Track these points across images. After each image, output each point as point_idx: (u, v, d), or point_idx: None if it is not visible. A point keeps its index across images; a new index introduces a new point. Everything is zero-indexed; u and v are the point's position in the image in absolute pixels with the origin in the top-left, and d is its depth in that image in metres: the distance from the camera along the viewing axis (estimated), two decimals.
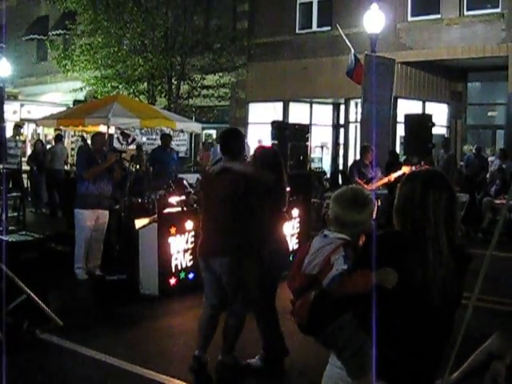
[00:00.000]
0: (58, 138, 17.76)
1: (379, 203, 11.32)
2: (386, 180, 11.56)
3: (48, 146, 19.70)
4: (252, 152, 6.53)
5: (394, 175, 11.59)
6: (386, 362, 2.68)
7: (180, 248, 8.48)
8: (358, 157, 12.73)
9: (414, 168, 12.23)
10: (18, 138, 16.70)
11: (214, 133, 24.83)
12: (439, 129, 18.56)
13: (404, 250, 2.70)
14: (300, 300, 2.87)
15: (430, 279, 2.68)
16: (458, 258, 2.80)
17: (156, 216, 8.57)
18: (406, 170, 11.83)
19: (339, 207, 2.94)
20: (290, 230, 9.88)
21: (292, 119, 20.66)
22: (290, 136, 12.02)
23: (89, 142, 10.55)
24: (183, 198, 9.71)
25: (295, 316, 2.92)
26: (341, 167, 20.93)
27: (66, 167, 18.02)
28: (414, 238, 2.71)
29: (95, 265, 9.23)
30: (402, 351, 2.72)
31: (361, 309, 2.71)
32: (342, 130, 22.18)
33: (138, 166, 13.24)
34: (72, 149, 21.51)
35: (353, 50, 15.96)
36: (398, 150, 17.64)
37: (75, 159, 11.24)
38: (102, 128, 15.62)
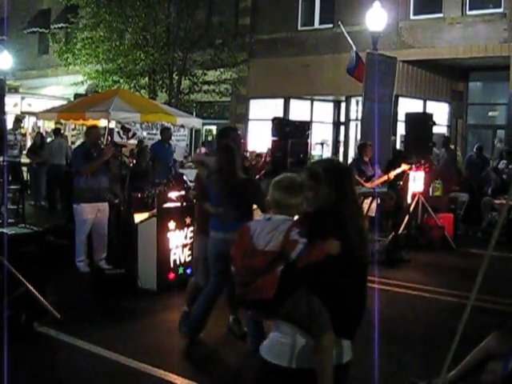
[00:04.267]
0: (56, 132, 17.69)
1: (379, 201, 11.31)
2: (385, 177, 11.56)
3: (48, 140, 19.68)
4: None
5: (393, 173, 11.60)
6: (335, 317, 3.15)
7: (179, 243, 8.49)
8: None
9: (414, 166, 12.28)
10: (18, 130, 16.68)
11: (214, 128, 24.80)
12: (440, 128, 18.55)
13: (340, 224, 3.25)
14: (264, 277, 3.14)
15: (358, 244, 3.28)
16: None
17: (155, 211, 8.57)
18: (405, 167, 11.85)
19: (278, 192, 3.33)
20: None
21: (293, 116, 20.64)
22: (291, 133, 11.99)
23: None
24: (183, 193, 9.71)
25: (256, 293, 3.16)
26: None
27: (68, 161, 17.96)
28: (342, 214, 3.28)
29: (100, 257, 9.25)
30: (347, 305, 3.21)
31: (313, 276, 3.14)
32: (342, 128, 22.16)
33: (135, 161, 13.20)
34: (72, 142, 21.48)
35: (354, 48, 15.94)
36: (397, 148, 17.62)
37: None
38: (103, 122, 15.62)
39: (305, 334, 3.18)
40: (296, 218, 3.34)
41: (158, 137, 17.05)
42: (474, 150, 16.79)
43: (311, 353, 3.16)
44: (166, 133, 14.16)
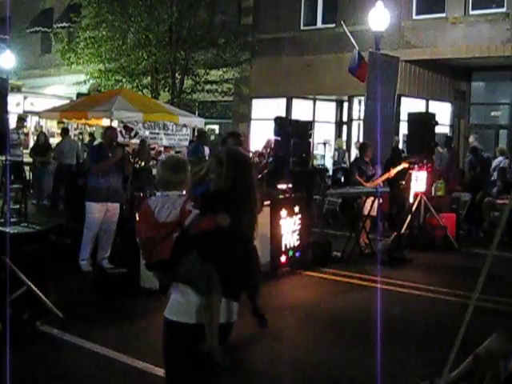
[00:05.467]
0: (65, 132, 17.74)
1: (381, 201, 11.32)
2: (386, 176, 11.57)
3: (51, 140, 19.70)
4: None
5: (393, 170, 11.60)
6: (224, 281, 3.62)
7: None
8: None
9: (415, 165, 12.29)
10: (21, 130, 16.68)
11: (216, 128, 24.81)
12: (442, 128, 18.53)
13: (234, 203, 3.76)
14: (162, 242, 3.66)
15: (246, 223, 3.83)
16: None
17: None
18: (405, 165, 11.85)
19: (166, 172, 3.85)
20: (292, 226, 9.91)
21: (295, 116, 20.60)
22: (293, 132, 11.99)
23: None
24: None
25: (156, 256, 3.69)
26: (343, 164, 20.89)
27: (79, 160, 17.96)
28: (233, 195, 3.80)
29: (103, 257, 9.26)
30: (233, 272, 3.69)
31: (205, 243, 3.65)
32: (344, 128, 22.15)
33: (139, 160, 13.23)
34: (89, 141, 21.49)
35: (357, 48, 15.93)
36: (400, 148, 17.60)
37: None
38: (105, 121, 15.63)
39: (198, 293, 3.65)
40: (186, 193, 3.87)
41: (161, 136, 17.09)
42: (468, 152, 16.72)
43: (202, 309, 3.63)
44: (203, 137, 14.67)
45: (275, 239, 9.50)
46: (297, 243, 10.04)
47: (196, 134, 17.12)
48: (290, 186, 10.66)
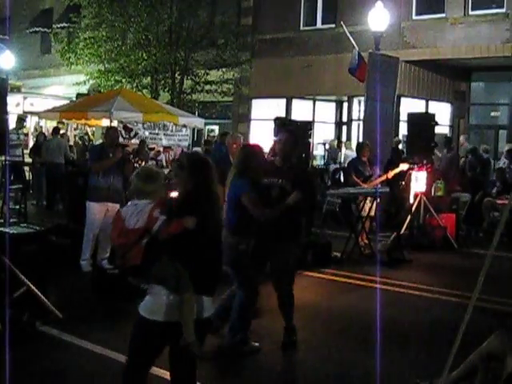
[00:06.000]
0: (55, 131, 17.66)
1: (378, 201, 11.31)
2: (384, 177, 11.56)
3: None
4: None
5: (391, 172, 11.59)
6: (195, 278, 3.84)
7: None
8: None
9: (415, 166, 12.28)
10: (20, 130, 16.67)
11: (216, 128, 24.80)
12: (442, 128, 18.53)
13: (198, 205, 3.95)
14: (133, 249, 3.83)
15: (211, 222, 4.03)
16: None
17: None
18: (404, 167, 11.85)
19: (138, 182, 4.05)
20: None
21: (295, 116, 20.62)
22: None
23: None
24: None
25: (129, 261, 3.89)
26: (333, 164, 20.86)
27: (71, 159, 17.93)
28: (197, 198, 3.99)
29: (102, 257, 9.26)
30: (203, 269, 3.92)
31: (174, 245, 3.84)
32: (344, 128, 22.16)
33: (139, 161, 13.22)
34: (75, 142, 21.49)
35: (357, 48, 15.93)
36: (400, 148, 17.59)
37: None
38: (105, 122, 15.63)
39: (172, 293, 3.86)
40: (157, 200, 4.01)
41: (161, 136, 17.08)
42: (467, 153, 16.70)
43: (177, 308, 3.84)
44: (224, 137, 14.83)
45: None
46: None
47: (219, 134, 16.99)
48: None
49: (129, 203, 4.07)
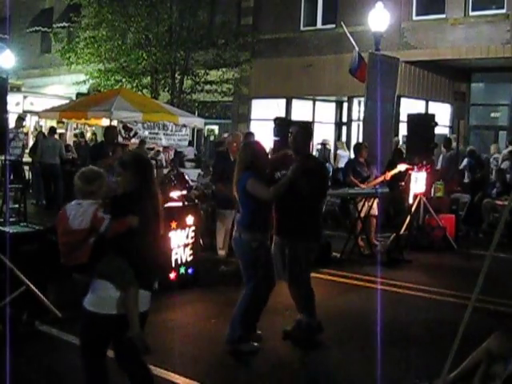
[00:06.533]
0: (52, 131, 17.63)
1: (377, 201, 11.31)
2: (382, 178, 11.55)
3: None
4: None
5: (390, 173, 11.59)
6: (137, 274, 4.09)
7: (180, 242, 8.48)
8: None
9: (415, 166, 12.27)
10: (20, 129, 16.66)
11: (216, 128, 24.81)
12: (442, 129, 18.54)
13: (141, 203, 4.16)
14: (79, 248, 4.02)
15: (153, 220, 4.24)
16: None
17: None
18: (401, 168, 11.84)
19: (79, 182, 4.19)
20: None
21: (295, 116, 20.65)
22: None
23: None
24: (184, 192, 9.70)
25: (75, 260, 4.06)
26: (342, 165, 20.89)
27: (71, 158, 17.89)
28: (143, 196, 4.21)
29: None
30: (145, 264, 4.16)
31: (120, 243, 4.04)
32: (344, 128, 22.16)
33: None
34: (74, 141, 21.50)
35: (357, 48, 15.93)
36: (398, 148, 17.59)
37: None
38: (105, 121, 15.63)
39: (117, 288, 4.06)
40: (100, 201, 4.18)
41: (160, 136, 17.07)
42: (466, 156, 16.69)
43: (122, 301, 4.05)
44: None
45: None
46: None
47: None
48: None
49: (73, 202, 4.19)
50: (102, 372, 4.29)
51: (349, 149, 20.85)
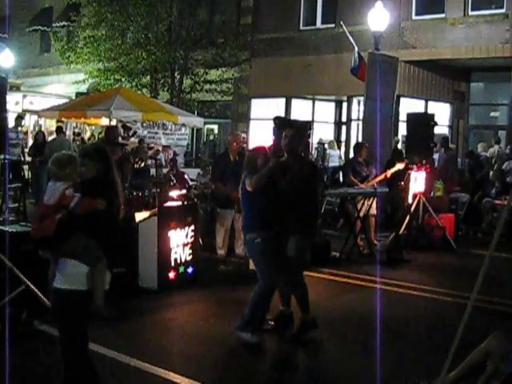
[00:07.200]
0: (59, 130, 17.66)
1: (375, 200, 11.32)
2: (382, 176, 11.56)
3: (49, 138, 19.64)
4: None
5: (389, 172, 11.60)
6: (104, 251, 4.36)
7: (180, 242, 8.48)
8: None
9: (415, 166, 12.28)
10: (19, 128, 16.65)
11: (215, 128, 24.80)
12: (441, 128, 18.53)
13: (106, 189, 4.46)
14: (46, 221, 4.30)
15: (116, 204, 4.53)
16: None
17: (156, 209, 8.57)
18: (400, 166, 11.85)
19: (53, 166, 4.52)
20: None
21: (294, 116, 20.60)
22: None
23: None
24: (184, 191, 9.70)
25: (40, 232, 4.37)
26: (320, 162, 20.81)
27: None
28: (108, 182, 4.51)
29: None
30: (110, 245, 4.43)
31: (88, 223, 4.29)
32: (343, 128, 22.15)
33: (138, 160, 13.23)
34: (73, 140, 21.46)
35: (356, 48, 15.94)
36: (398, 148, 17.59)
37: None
38: (104, 121, 15.63)
39: (86, 264, 4.30)
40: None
41: (160, 135, 17.06)
42: (465, 157, 16.69)
43: (89, 277, 4.30)
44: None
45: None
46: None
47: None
48: None
49: (50, 183, 4.59)
50: (89, 366, 4.52)
51: (348, 148, 20.88)
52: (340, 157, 20.07)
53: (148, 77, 21.53)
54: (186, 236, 8.60)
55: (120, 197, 4.65)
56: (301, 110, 21.76)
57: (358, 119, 19.84)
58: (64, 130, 18.84)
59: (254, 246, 6.48)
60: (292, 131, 7.04)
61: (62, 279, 4.33)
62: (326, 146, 19.86)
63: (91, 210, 4.30)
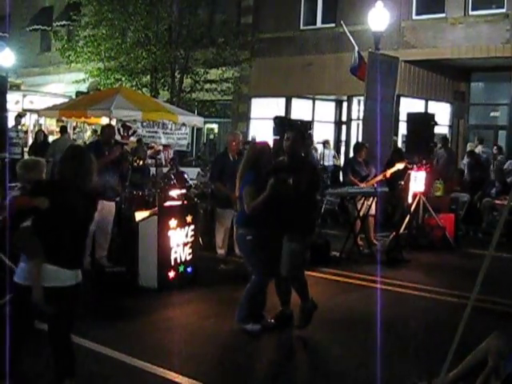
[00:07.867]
0: (63, 130, 17.67)
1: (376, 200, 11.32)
2: (381, 176, 11.56)
3: (50, 138, 19.67)
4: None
5: (389, 171, 11.60)
6: (51, 249, 4.40)
7: (180, 241, 8.48)
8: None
9: (415, 165, 12.28)
10: (19, 127, 16.65)
11: (215, 127, 24.79)
12: (441, 128, 18.54)
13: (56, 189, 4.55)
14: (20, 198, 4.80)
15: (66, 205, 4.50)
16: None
17: (156, 209, 8.57)
18: (399, 166, 11.85)
19: (20, 170, 5.15)
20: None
21: (294, 115, 20.62)
22: None
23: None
24: (184, 191, 9.70)
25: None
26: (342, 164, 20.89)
27: None
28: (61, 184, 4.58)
29: (101, 255, 9.25)
30: (60, 244, 4.44)
31: (36, 220, 4.40)
32: (344, 127, 22.16)
33: (137, 159, 13.22)
34: (74, 139, 21.45)
35: (356, 48, 15.94)
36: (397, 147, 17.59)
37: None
38: (104, 120, 15.60)
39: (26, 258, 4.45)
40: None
41: (159, 135, 17.04)
42: (466, 155, 16.68)
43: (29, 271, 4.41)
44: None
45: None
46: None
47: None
48: None
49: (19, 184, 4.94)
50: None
51: (348, 148, 20.89)
52: (334, 156, 20.13)
53: (148, 76, 21.53)
54: (186, 235, 8.60)
55: (91, 199, 4.68)
56: (301, 109, 21.77)
57: (358, 119, 19.85)
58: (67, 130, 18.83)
59: (244, 242, 6.71)
60: (294, 134, 7.09)
61: (17, 271, 4.54)
62: (320, 146, 19.92)
63: (30, 208, 4.38)
